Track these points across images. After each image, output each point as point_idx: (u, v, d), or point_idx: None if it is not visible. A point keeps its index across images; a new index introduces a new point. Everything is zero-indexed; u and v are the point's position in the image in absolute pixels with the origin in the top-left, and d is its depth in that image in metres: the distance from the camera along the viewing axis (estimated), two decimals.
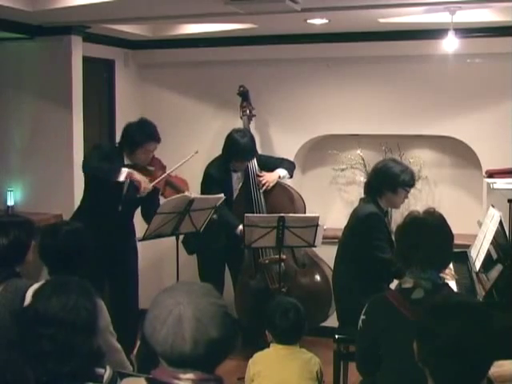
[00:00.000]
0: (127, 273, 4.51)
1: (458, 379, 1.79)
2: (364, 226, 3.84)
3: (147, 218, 4.41)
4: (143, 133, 4.30)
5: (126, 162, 4.32)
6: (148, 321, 1.79)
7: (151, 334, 1.77)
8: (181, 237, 4.82)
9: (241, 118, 5.24)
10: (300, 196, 5.03)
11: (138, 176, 4.16)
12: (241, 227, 4.61)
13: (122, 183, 4.18)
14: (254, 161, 5.00)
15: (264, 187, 4.94)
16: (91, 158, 4.27)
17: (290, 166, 5.11)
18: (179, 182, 4.43)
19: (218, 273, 5.06)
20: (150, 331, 1.77)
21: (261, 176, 4.98)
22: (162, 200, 4.45)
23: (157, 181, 4.27)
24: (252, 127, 5.24)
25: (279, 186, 5.02)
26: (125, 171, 4.11)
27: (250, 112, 5.25)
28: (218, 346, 1.77)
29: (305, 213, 4.88)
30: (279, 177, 5.01)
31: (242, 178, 5.03)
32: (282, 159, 5.21)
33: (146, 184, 4.18)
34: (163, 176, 4.32)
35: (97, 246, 4.11)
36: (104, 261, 4.25)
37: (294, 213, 4.79)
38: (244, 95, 5.27)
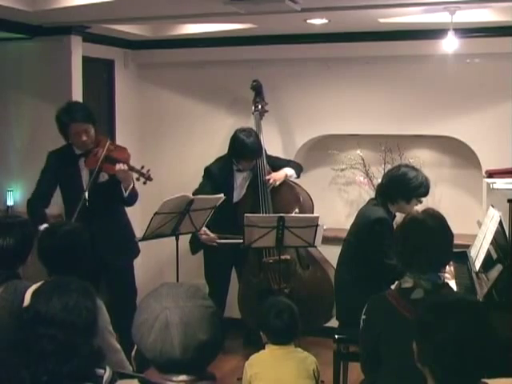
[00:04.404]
0: (117, 272, 4.42)
1: (458, 376, 1.79)
2: (373, 231, 3.80)
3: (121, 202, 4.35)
4: (64, 116, 4.21)
5: (77, 151, 4.28)
6: (135, 327, 1.78)
7: (139, 340, 1.76)
8: (188, 237, 4.82)
9: (252, 113, 5.18)
10: (308, 195, 5.00)
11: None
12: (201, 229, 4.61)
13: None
14: (264, 160, 4.97)
15: (271, 186, 4.92)
16: (30, 200, 4.33)
17: (297, 167, 5.10)
18: (118, 152, 4.26)
19: (223, 273, 5.04)
20: (139, 337, 1.76)
21: (267, 175, 4.96)
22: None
23: (99, 162, 4.15)
24: (263, 124, 5.16)
25: (287, 185, 5.00)
26: (40, 229, 3.95)
27: (263, 107, 5.17)
28: (208, 348, 1.76)
29: (313, 213, 4.86)
30: (286, 175, 4.99)
31: (249, 178, 5.00)
32: (289, 160, 5.21)
33: None
34: (102, 156, 4.17)
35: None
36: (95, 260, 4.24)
37: (303, 213, 4.77)
38: (257, 89, 5.19)
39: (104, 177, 4.24)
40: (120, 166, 4.14)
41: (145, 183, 4.20)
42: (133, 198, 4.31)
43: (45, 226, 4.07)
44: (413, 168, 4.11)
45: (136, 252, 4.56)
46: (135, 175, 4.22)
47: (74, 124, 4.17)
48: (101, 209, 4.28)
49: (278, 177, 4.95)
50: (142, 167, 4.21)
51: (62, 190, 4.36)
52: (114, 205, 4.37)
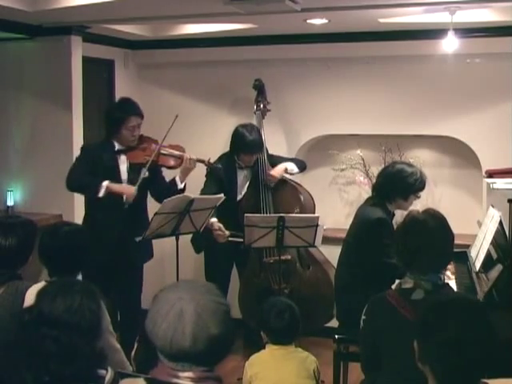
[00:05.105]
0: (134, 271, 4.49)
1: (459, 374, 1.80)
2: (372, 231, 3.80)
3: (159, 197, 4.43)
4: (121, 109, 4.36)
5: (118, 147, 4.36)
6: (150, 315, 1.81)
7: (152, 328, 1.79)
8: (189, 236, 4.82)
9: (254, 112, 5.16)
10: (310, 195, 4.99)
11: (116, 188, 4.22)
12: (211, 220, 4.59)
13: (118, 170, 4.30)
14: (265, 159, 4.96)
15: (271, 182, 4.89)
16: (72, 176, 4.26)
17: (298, 163, 5.08)
18: (172, 147, 4.44)
19: (223, 272, 5.02)
20: (151, 326, 1.79)
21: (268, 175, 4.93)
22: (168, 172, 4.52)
23: (153, 155, 4.30)
24: (265, 123, 5.13)
25: (288, 185, 4.98)
26: (103, 186, 4.15)
27: (265, 107, 5.14)
28: (218, 343, 1.78)
29: (314, 213, 4.84)
30: (285, 169, 4.96)
31: (250, 177, 4.99)
32: (292, 158, 5.19)
33: (128, 190, 4.21)
34: (157, 148, 4.33)
35: (107, 243, 4.15)
36: (114, 258, 4.28)
37: (304, 213, 4.76)
38: (259, 89, 5.16)
39: (144, 173, 4.32)
40: (187, 155, 4.34)
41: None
42: (183, 192, 4.40)
43: (107, 181, 4.17)
44: (407, 164, 4.11)
45: (152, 253, 4.62)
46: (204, 167, 4.49)
47: (133, 117, 4.30)
48: (134, 206, 4.33)
49: (276, 172, 4.93)
50: (209, 159, 4.49)
51: None
52: (144, 203, 4.49)
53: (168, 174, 4.56)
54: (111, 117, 4.38)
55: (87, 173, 4.27)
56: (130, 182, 4.32)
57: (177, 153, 4.40)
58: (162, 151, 4.38)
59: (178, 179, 4.42)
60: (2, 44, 5.08)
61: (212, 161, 4.87)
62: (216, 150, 5.17)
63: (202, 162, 4.48)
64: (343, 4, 4.10)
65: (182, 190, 4.42)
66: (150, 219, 4.41)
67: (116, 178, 4.30)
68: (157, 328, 1.77)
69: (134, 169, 4.34)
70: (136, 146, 4.38)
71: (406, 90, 5.24)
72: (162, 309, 1.78)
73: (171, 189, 4.39)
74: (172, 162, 4.39)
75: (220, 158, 4.96)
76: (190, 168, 4.40)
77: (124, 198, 4.22)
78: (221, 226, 4.63)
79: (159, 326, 1.77)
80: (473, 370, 1.81)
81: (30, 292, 2.80)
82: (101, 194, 4.16)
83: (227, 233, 4.61)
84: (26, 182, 5.14)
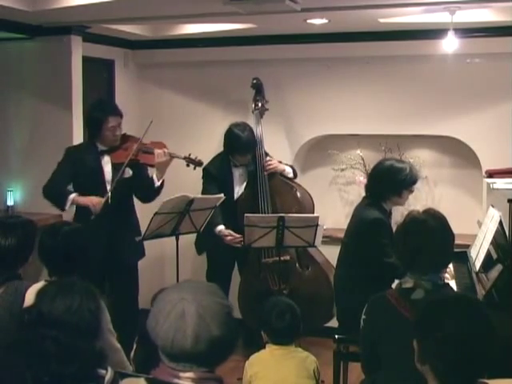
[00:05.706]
0: (127, 271, 4.48)
1: (459, 371, 1.80)
2: (370, 232, 3.80)
3: (143, 197, 4.46)
4: (100, 110, 4.34)
5: (101, 148, 4.35)
6: (152, 314, 1.82)
7: (154, 327, 1.80)
8: (191, 237, 4.81)
9: (252, 112, 5.13)
10: (309, 195, 4.99)
11: (82, 200, 4.22)
12: (219, 228, 4.63)
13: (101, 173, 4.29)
14: (263, 157, 4.93)
15: (268, 170, 4.88)
16: (46, 186, 4.28)
17: (294, 169, 5.10)
18: (152, 144, 4.39)
19: (225, 273, 5.01)
20: (153, 324, 1.80)
21: (268, 161, 4.92)
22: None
23: (131, 154, 4.26)
24: (263, 123, 5.10)
25: (287, 184, 4.98)
26: (69, 200, 4.19)
27: (263, 106, 5.12)
28: (219, 345, 1.79)
29: (313, 212, 4.84)
30: (284, 170, 4.98)
31: (246, 175, 4.98)
32: (291, 166, 5.18)
33: (94, 202, 4.18)
34: (135, 148, 4.30)
35: (97, 243, 4.09)
36: (104, 258, 4.26)
37: (303, 213, 4.76)
38: (257, 88, 5.14)
39: (128, 173, 4.31)
40: (161, 151, 4.26)
41: (195, 169, 4.42)
42: (160, 190, 4.40)
43: (74, 194, 4.19)
44: (396, 160, 4.11)
45: (143, 252, 4.60)
46: (184, 162, 4.38)
47: (112, 117, 4.29)
48: (120, 206, 4.33)
49: (276, 164, 4.93)
50: (190, 154, 4.38)
51: (80, 186, 4.34)
52: (131, 202, 4.48)
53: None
54: (90, 119, 4.38)
55: (67, 177, 4.28)
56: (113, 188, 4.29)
57: (151, 151, 4.33)
58: (143, 149, 4.34)
59: (154, 177, 4.37)
60: (2, 44, 5.08)
61: (207, 160, 4.88)
62: (216, 149, 5.17)
63: (183, 158, 4.36)
64: (343, 4, 4.10)
65: (160, 188, 4.39)
66: (138, 218, 4.48)
67: (100, 179, 4.30)
68: (158, 327, 1.78)
69: (118, 169, 4.31)
70: (119, 145, 4.37)
71: (406, 89, 5.24)
72: (164, 308, 1.79)
73: (150, 188, 4.37)
74: (153, 160, 4.32)
75: (214, 160, 4.96)
76: (164, 163, 4.30)
77: (92, 210, 4.18)
78: (230, 231, 4.65)
79: (161, 325, 1.77)
80: (472, 368, 1.81)
81: (29, 292, 2.80)
82: (66, 207, 4.22)
83: (237, 235, 4.59)
84: (26, 182, 5.14)
